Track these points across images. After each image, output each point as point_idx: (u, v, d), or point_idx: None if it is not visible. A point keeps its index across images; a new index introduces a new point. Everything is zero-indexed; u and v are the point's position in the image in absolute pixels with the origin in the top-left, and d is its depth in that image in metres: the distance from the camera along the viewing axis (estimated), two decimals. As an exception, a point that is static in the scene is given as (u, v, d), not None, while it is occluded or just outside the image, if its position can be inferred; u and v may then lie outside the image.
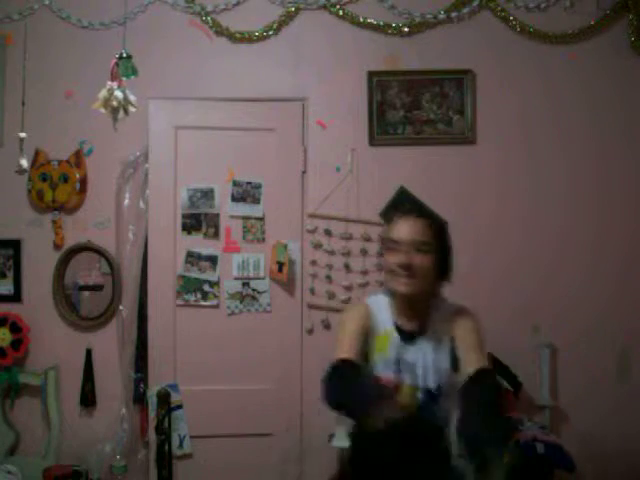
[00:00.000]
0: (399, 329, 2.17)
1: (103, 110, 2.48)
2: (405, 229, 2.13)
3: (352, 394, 1.97)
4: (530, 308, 3.64)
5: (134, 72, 2.52)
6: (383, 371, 2.13)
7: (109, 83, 2.50)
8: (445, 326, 2.16)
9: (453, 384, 2.12)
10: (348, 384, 2.00)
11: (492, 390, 2.07)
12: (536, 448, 3.24)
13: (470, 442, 1.92)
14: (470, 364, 2.07)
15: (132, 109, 2.51)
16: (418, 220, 2.15)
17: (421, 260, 2.10)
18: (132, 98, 2.51)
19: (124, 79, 2.50)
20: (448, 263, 2.20)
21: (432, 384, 2.12)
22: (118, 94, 2.45)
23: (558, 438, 3.40)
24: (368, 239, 3.66)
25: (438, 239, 2.16)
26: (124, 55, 2.51)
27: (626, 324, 3.64)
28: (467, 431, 1.92)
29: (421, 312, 2.18)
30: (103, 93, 2.47)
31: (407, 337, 2.16)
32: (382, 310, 2.22)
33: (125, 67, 2.46)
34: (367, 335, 2.16)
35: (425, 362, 2.13)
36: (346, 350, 2.10)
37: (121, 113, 2.48)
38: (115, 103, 2.43)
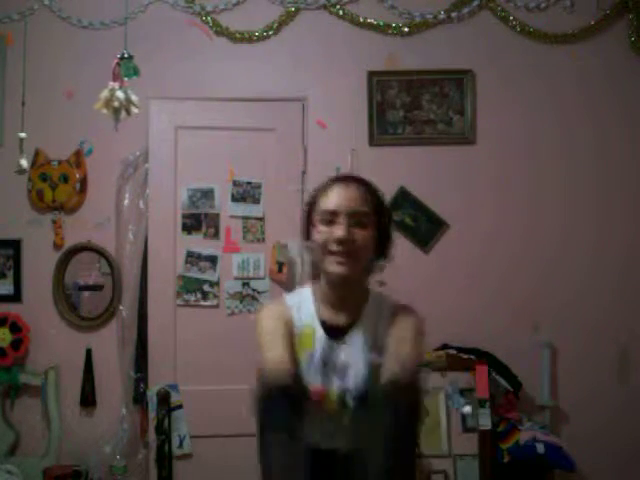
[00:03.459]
0: (324, 324, 1.83)
1: (105, 111, 2.48)
2: (342, 197, 1.78)
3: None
4: (530, 308, 3.64)
5: (136, 72, 2.52)
6: (308, 374, 1.78)
7: (111, 83, 2.49)
8: (382, 324, 1.83)
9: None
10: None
11: (402, 415, 1.67)
12: (536, 448, 3.24)
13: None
14: (388, 366, 1.72)
15: (134, 109, 2.51)
16: (356, 187, 1.81)
17: (361, 235, 1.76)
18: (134, 98, 2.50)
19: (126, 79, 2.50)
20: (387, 242, 1.87)
21: (362, 389, 1.75)
22: (120, 94, 2.44)
23: (558, 438, 3.41)
24: (368, 239, 3.65)
25: (378, 212, 1.83)
26: (125, 55, 2.51)
27: (626, 324, 3.64)
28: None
29: (352, 303, 1.84)
30: (105, 93, 2.47)
31: (335, 333, 1.81)
32: (303, 303, 1.86)
33: (127, 67, 2.46)
34: (292, 332, 1.82)
35: (357, 365, 1.78)
36: (280, 355, 1.73)
37: (123, 113, 2.48)
38: (117, 103, 2.43)
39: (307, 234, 1.88)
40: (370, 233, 1.79)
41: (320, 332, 1.82)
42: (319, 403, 1.78)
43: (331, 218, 1.77)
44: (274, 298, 1.74)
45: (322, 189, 1.84)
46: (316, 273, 1.88)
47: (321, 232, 1.78)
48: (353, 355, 1.79)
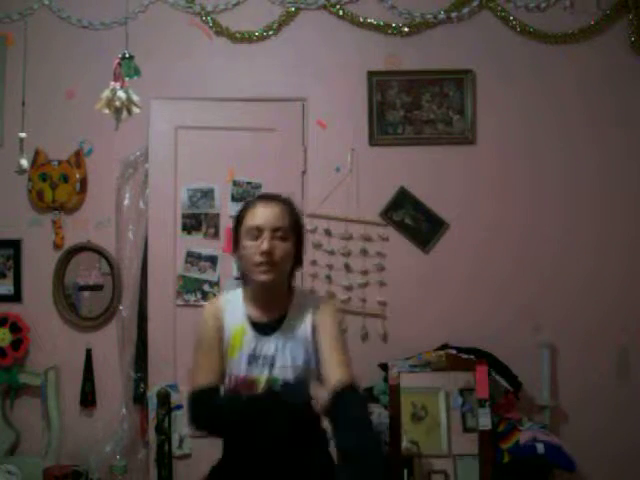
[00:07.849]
0: (253, 323, 2.13)
1: (106, 111, 2.47)
2: (266, 215, 2.08)
3: (220, 420, 2.16)
4: (531, 308, 3.64)
5: (137, 72, 2.51)
6: (239, 367, 2.10)
7: (112, 83, 2.49)
8: (304, 318, 2.14)
9: (311, 376, 2.10)
10: (212, 412, 2.14)
11: (358, 405, 2.02)
12: (536, 448, 3.24)
13: (348, 456, 1.91)
14: (333, 376, 2.02)
15: (136, 110, 2.50)
16: (278, 206, 2.11)
17: (282, 247, 2.07)
18: (135, 98, 2.50)
19: (127, 79, 2.49)
20: (302, 251, 2.18)
21: (290, 377, 2.08)
22: (121, 95, 2.43)
23: (558, 438, 3.40)
24: (368, 239, 3.66)
25: (295, 226, 2.13)
26: (127, 55, 2.51)
27: (626, 324, 3.64)
28: (343, 446, 1.93)
29: (277, 303, 2.15)
30: (106, 94, 2.46)
31: (262, 330, 2.12)
32: (236, 306, 2.17)
33: (128, 67, 2.45)
34: (221, 339, 2.14)
35: (283, 355, 2.09)
36: (204, 374, 2.13)
37: (124, 114, 2.47)
38: (118, 104, 2.42)
39: (237, 246, 2.15)
40: (289, 245, 2.10)
41: (249, 329, 2.13)
42: (250, 390, 2.08)
43: (257, 233, 2.06)
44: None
45: (247, 208, 2.13)
46: (246, 279, 2.17)
47: (248, 247, 2.07)
48: (279, 349, 2.10)
